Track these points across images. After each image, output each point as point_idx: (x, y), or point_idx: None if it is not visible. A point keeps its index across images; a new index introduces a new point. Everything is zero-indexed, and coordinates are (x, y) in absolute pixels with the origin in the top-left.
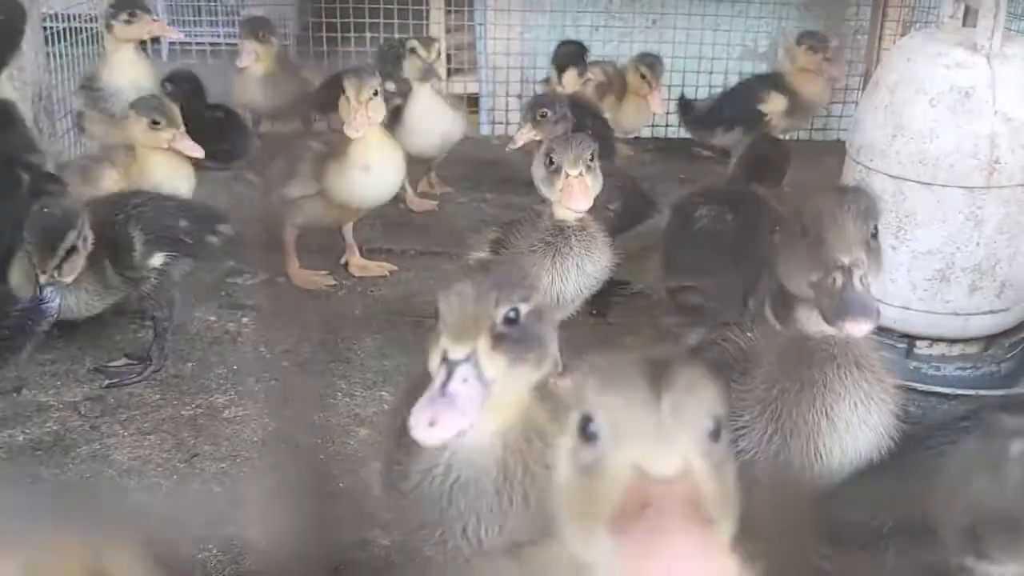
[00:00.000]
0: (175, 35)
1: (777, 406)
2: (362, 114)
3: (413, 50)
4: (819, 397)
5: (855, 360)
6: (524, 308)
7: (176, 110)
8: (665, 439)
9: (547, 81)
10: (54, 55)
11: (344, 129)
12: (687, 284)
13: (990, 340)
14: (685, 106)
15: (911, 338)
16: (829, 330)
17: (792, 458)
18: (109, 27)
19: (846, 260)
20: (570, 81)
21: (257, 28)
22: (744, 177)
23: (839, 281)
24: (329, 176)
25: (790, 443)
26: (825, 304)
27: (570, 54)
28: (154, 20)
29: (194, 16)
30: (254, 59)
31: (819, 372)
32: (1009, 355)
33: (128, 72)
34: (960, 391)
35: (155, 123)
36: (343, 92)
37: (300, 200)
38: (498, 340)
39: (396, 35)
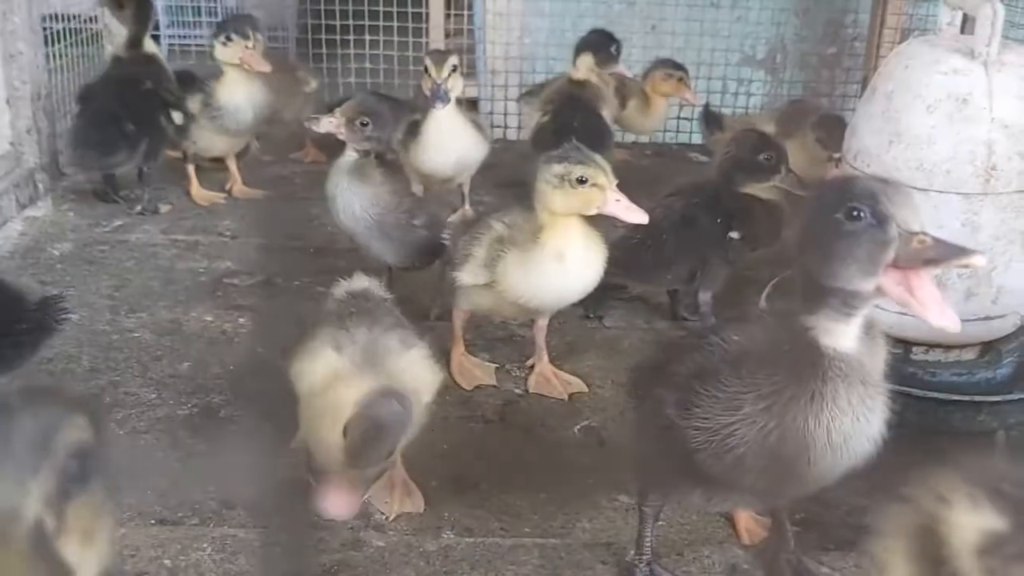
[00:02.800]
0: (264, 67)
1: (784, 409)
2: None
3: (426, 69)
4: (825, 411)
5: (862, 378)
6: None
7: (607, 167)
8: None
9: (542, 86)
10: (54, 55)
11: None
12: (621, 279)
13: (986, 346)
14: (710, 118)
15: (907, 343)
16: (843, 346)
17: (782, 454)
18: (212, 46)
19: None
20: (583, 66)
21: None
22: (722, 175)
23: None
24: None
25: (786, 443)
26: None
27: (590, 41)
28: (247, 48)
29: (194, 17)
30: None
31: (831, 388)
32: (1005, 361)
33: (243, 91)
34: (955, 397)
35: (581, 181)
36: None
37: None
38: None
39: (396, 38)
